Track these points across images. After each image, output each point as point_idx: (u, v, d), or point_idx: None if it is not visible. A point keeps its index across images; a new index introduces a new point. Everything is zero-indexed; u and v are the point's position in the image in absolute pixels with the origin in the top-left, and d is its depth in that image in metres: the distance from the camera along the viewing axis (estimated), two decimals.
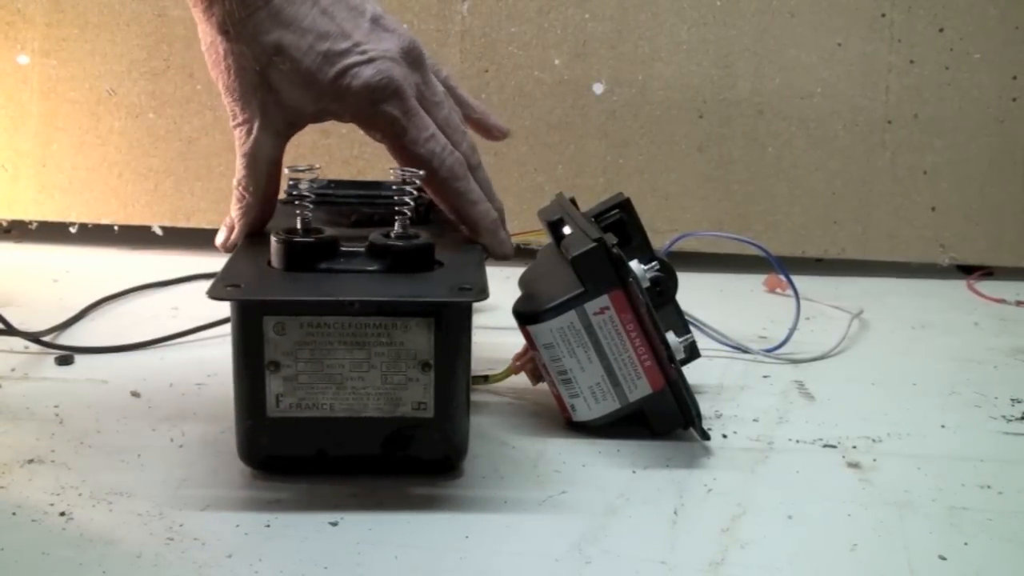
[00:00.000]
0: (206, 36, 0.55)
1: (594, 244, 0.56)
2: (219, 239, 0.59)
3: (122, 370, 0.67)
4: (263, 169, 0.57)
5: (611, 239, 0.56)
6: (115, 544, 0.46)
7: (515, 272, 0.64)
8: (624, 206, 0.65)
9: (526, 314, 0.58)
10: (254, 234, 0.58)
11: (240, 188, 0.57)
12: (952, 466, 0.57)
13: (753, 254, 0.84)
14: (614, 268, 0.56)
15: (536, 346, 0.58)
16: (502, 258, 0.60)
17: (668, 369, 0.56)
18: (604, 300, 0.56)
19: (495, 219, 0.60)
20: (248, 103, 0.55)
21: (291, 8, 0.54)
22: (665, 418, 0.58)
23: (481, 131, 0.66)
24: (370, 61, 0.55)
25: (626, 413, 0.58)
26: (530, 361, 0.61)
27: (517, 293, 0.60)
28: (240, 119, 0.56)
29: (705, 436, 0.57)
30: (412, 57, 0.57)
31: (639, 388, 0.57)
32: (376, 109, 0.56)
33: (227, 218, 0.59)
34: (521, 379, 0.62)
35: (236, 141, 0.57)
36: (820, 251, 1.00)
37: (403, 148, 0.57)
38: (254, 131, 0.56)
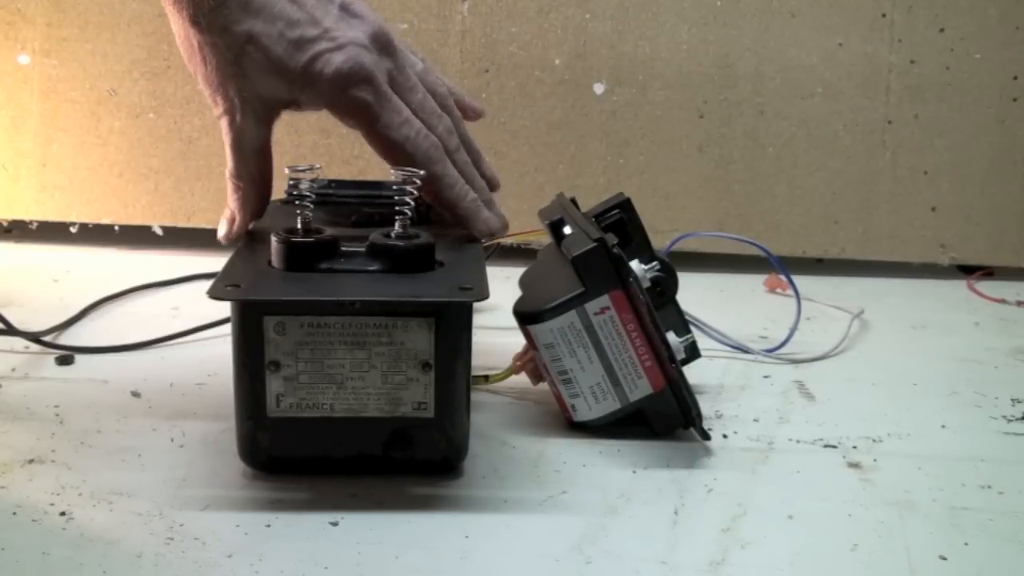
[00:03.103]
0: (179, 29, 0.55)
1: (594, 244, 0.56)
2: (221, 232, 0.59)
3: (122, 370, 0.67)
4: (251, 157, 0.57)
5: (611, 239, 0.56)
6: (115, 544, 0.46)
7: (515, 272, 0.64)
8: (624, 206, 0.65)
9: (526, 314, 0.58)
10: (255, 220, 0.58)
11: (233, 179, 0.57)
12: (952, 466, 0.57)
13: (753, 254, 0.84)
14: (614, 268, 0.56)
15: (536, 346, 0.58)
16: (488, 236, 0.60)
17: (668, 369, 0.56)
18: (604, 300, 0.56)
19: (473, 199, 0.59)
20: (226, 93, 0.55)
21: None
22: (665, 418, 0.58)
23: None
24: (339, 48, 0.55)
25: (626, 413, 0.58)
26: (530, 361, 0.61)
27: (517, 293, 0.60)
28: (221, 109, 0.56)
29: (705, 436, 0.57)
30: (381, 43, 0.57)
31: (640, 388, 0.57)
32: (348, 95, 0.56)
33: (226, 211, 0.59)
34: (521, 379, 0.62)
35: (222, 132, 0.57)
36: (820, 251, 1.00)
37: (377, 134, 0.57)
38: (236, 120, 0.56)
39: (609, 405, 0.58)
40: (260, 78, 0.55)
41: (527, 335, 0.58)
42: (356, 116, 0.57)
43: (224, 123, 0.56)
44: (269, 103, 0.56)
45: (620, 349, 0.57)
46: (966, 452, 0.59)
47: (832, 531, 0.50)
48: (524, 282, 0.63)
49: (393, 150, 0.57)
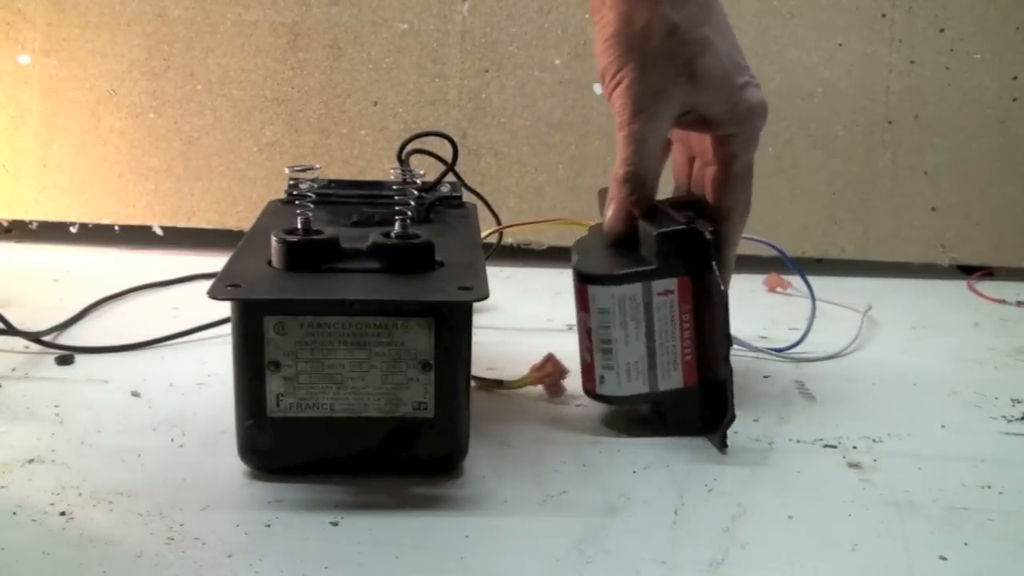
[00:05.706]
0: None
1: (687, 227, 0.56)
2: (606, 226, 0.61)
3: (122, 370, 0.67)
4: (652, 154, 0.59)
5: (705, 226, 0.56)
6: (115, 544, 0.46)
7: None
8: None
9: (591, 275, 0.57)
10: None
11: (626, 171, 0.59)
12: (952, 466, 0.57)
13: (753, 254, 0.84)
14: (699, 255, 0.55)
15: (589, 308, 0.57)
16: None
17: (721, 367, 0.56)
18: (672, 283, 0.56)
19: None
20: (656, 92, 0.57)
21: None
22: (683, 417, 0.58)
23: None
24: (757, 86, 0.60)
25: (650, 400, 0.58)
26: (549, 375, 0.60)
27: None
28: (632, 110, 0.57)
29: (723, 444, 0.57)
30: None
31: (671, 379, 0.57)
32: (755, 126, 0.60)
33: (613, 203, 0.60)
34: None
35: (623, 127, 0.58)
36: (820, 251, 1.00)
37: (743, 156, 0.60)
38: (649, 116, 0.57)
39: (637, 387, 0.57)
40: (707, 84, 0.58)
41: (582, 296, 0.57)
42: (750, 142, 0.60)
43: (636, 122, 0.57)
44: (682, 108, 0.58)
45: (668, 336, 0.56)
46: (966, 452, 0.59)
47: (832, 531, 0.50)
48: (580, 248, 0.61)
49: (745, 174, 0.61)
